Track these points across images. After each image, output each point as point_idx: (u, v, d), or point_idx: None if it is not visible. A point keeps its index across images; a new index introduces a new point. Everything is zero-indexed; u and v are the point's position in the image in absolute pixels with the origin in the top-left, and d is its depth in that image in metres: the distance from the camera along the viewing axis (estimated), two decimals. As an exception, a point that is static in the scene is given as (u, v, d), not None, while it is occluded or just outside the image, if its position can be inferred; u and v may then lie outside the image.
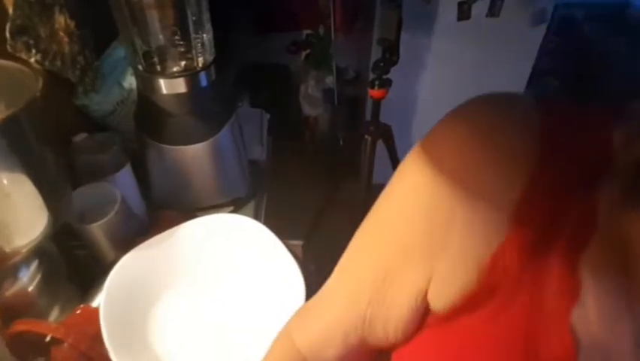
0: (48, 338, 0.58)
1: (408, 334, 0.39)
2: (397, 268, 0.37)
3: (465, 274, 0.33)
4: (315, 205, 1.71)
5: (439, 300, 0.35)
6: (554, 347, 0.29)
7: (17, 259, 0.58)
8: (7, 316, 0.59)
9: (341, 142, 2.43)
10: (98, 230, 0.69)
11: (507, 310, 0.31)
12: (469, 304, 0.33)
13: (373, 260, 0.39)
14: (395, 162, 1.56)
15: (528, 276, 0.30)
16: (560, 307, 0.29)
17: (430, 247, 0.35)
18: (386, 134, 1.50)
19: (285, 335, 0.47)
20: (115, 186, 0.73)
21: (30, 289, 0.65)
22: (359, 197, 1.52)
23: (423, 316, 0.38)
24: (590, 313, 0.28)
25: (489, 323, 0.32)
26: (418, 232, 0.35)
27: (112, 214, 0.69)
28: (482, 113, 0.33)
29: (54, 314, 0.67)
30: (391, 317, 0.38)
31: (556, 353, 0.29)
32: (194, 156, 0.81)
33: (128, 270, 0.66)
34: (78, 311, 0.62)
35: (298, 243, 0.82)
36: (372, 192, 1.54)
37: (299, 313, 0.48)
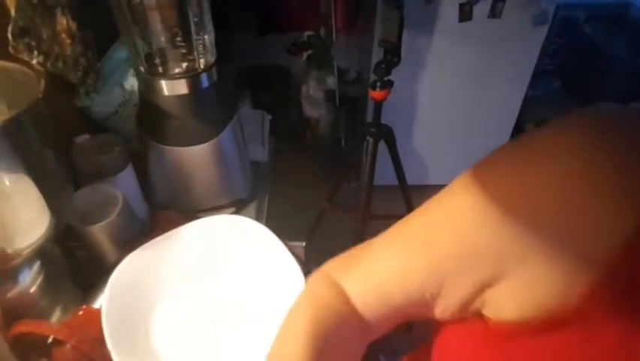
0: (50, 340, 0.58)
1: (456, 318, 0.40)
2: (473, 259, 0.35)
3: (553, 290, 0.32)
4: (317, 206, 1.71)
5: (509, 308, 0.34)
6: None
7: (19, 260, 0.58)
8: (9, 317, 0.59)
9: (342, 143, 2.43)
10: (99, 231, 0.69)
11: (601, 333, 0.30)
12: (552, 321, 0.32)
13: (451, 238, 0.37)
14: (397, 163, 1.56)
15: (626, 304, 0.30)
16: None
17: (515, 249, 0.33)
18: (387, 136, 1.50)
19: (322, 274, 0.47)
20: (116, 187, 0.73)
21: (32, 290, 0.65)
22: (360, 198, 1.52)
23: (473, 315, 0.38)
24: None
25: (582, 343, 0.31)
26: (503, 234, 0.33)
27: (113, 216, 0.69)
28: (616, 129, 0.31)
29: (56, 315, 0.67)
30: (450, 303, 0.39)
31: None
32: (196, 157, 0.81)
33: (129, 271, 0.66)
34: (80, 312, 0.62)
35: (300, 244, 0.82)
36: (373, 193, 1.54)
37: (344, 261, 0.47)
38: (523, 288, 0.33)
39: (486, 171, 0.36)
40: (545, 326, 0.32)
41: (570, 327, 0.31)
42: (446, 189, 0.39)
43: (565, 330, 0.32)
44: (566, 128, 0.32)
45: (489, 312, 0.37)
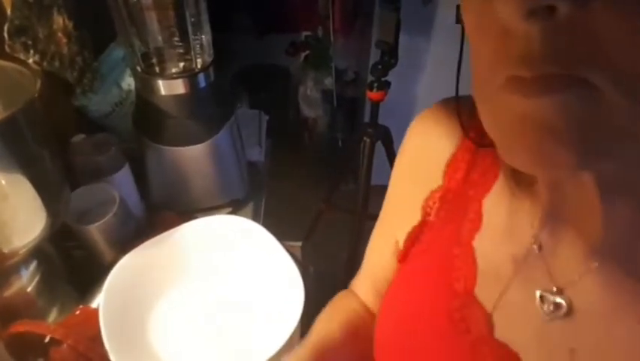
0: (47, 339, 0.58)
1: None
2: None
3: (413, 215, 0.47)
4: (314, 207, 1.71)
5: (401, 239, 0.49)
6: (462, 263, 0.41)
7: (16, 259, 0.58)
8: (5, 317, 0.59)
9: (340, 144, 2.43)
10: (96, 231, 0.69)
11: (437, 241, 0.44)
12: (414, 239, 0.47)
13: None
14: (394, 164, 1.55)
15: (452, 216, 0.44)
16: (469, 236, 0.41)
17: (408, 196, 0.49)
18: (385, 136, 1.50)
19: (347, 289, 0.62)
20: (113, 187, 0.73)
21: (29, 290, 0.64)
22: (358, 199, 1.52)
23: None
24: (485, 238, 0.40)
25: (425, 252, 0.45)
26: (402, 186, 0.52)
27: (110, 215, 0.69)
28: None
29: (53, 315, 0.67)
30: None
31: (463, 266, 0.40)
32: (193, 157, 0.81)
33: (126, 271, 0.66)
34: (77, 312, 0.62)
35: (297, 244, 0.82)
36: (370, 193, 1.54)
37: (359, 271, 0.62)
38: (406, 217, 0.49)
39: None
40: (409, 246, 0.48)
41: (419, 241, 0.47)
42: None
43: (417, 245, 0.47)
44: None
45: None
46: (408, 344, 0.44)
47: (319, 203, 1.71)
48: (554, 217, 0.36)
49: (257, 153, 1.05)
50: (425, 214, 0.47)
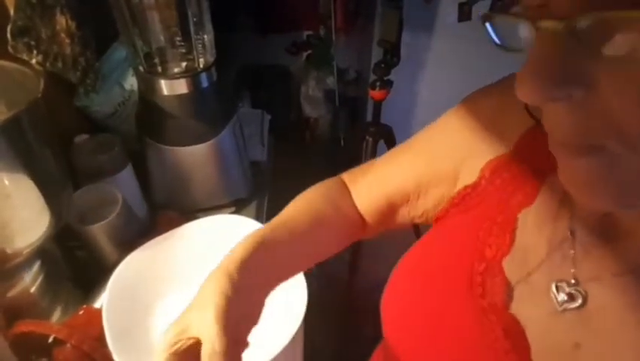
0: (51, 339, 0.58)
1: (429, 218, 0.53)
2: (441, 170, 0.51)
3: (464, 171, 0.48)
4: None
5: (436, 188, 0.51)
6: (500, 231, 0.41)
7: (19, 260, 0.58)
8: (9, 317, 0.60)
9: (342, 143, 2.43)
10: (99, 231, 0.69)
11: (482, 205, 0.44)
12: (460, 199, 0.47)
13: (443, 152, 0.51)
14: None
15: (506, 186, 0.43)
16: (517, 208, 0.41)
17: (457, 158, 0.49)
18: (387, 135, 1.50)
19: (337, 177, 0.62)
20: (116, 187, 0.73)
21: (32, 290, 0.65)
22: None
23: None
24: (531, 214, 0.40)
25: (466, 213, 0.46)
26: (462, 136, 0.49)
27: (113, 216, 0.69)
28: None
29: (56, 315, 0.67)
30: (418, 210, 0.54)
31: (500, 235, 0.41)
32: (196, 157, 0.81)
33: (130, 271, 0.66)
34: (81, 312, 0.62)
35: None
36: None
37: (357, 169, 0.61)
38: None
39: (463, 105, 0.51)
40: (452, 206, 0.48)
41: (465, 205, 0.47)
42: (443, 115, 0.52)
43: (466, 200, 0.47)
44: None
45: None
46: (420, 295, 0.44)
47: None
48: (603, 222, 0.36)
49: (259, 153, 1.05)
50: (481, 177, 0.46)
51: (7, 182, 0.53)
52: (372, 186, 0.57)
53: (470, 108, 0.49)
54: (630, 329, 0.33)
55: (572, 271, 0.36)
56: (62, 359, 0.58)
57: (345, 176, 0.62)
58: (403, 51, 1.37)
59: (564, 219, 0.38)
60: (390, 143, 1.52)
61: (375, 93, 1.42)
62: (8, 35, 0.69)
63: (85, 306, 0.65)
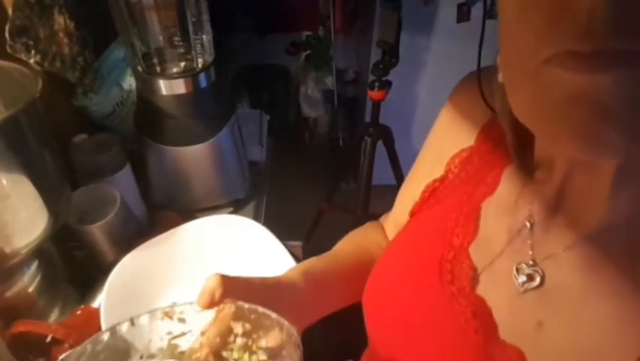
0: (49, 339, 0.58)
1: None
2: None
3: (437, 170, 0.49)
4: (315, 206, 1.70)
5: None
6: (465, 221, 0.43)
7: (17, 260, 0.58)
8: (7, 317, 0.59)
9: (340, 143, 2.43)
10: (97, 231, 0.69)
11: (449, 198, 0.46)
12: (430, 192, 0.49)
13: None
14: (395, 164, 1.56)
15: (470, 178, 0.45)
16: (480, 198, 0.43)
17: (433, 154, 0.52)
18: (386, 136, 1.50)
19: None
20: (114, 187, 0.73)
21: (30, 290, 0.64)
22: (358, 198, 1.52)
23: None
24: (493, 204, 0.42)
25: (435, 206, 0.48)
26: (436, 141, 0.52)
27: (111, 215, 0.69)
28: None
29: (54, 315, 0.67)
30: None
31: (465, 224, 0.43)
32: (194, 156, 0.81)
33: (128, 271, 0.66)
34: (78, 312, 0.62)
35: (298, 244, 0.82)
36: (371, 193, 1.54)
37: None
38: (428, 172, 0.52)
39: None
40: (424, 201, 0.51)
41: (435, 197, 0.49)
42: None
43: (436, 194, 0.49)
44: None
45: None
46: (396, 288, 0.46)
47: (320, 202, 1.71)
48: (557, 197, 0.37)
49: (258, 153, 1.05)
50: (447, 171, 0.48)
51: (4, 182, 0.53)
52: (398, 218, 0.58)
53: (447, 105, 0.51)
54: (588, 303, 0.34)
55: (530, 253, 0.38)
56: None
57: (382, 218, 0.66)
58: (402, 52, 1.37)
59: (524, 206, 0.40)
60: (389, 143, 1.52)
61: (374, 94, 1.42)
62: (6, 35, 0.68)
63: (83, 306, 0.64)
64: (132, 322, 0.35)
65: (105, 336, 0.34)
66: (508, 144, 0.40)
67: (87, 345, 0.34)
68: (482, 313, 0.38)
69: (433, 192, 0.49)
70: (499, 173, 0.43)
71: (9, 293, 0.62)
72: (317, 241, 1.65)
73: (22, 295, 0.64)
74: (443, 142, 0.51)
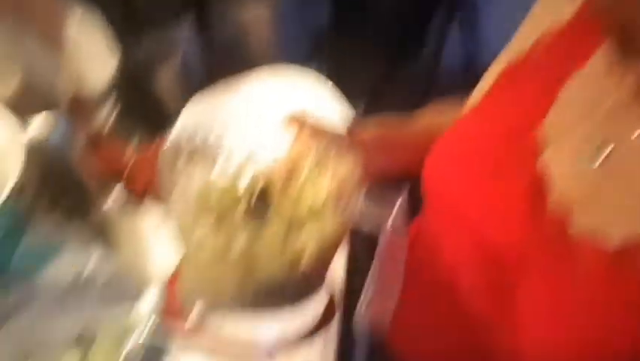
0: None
1: None
2: None
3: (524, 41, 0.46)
4: (376, 73, 1.64)
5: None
6: (541, 99, 0.41)
7: (94, 97, 0.63)
8: (89, 149, 0.65)
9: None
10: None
11: (529, 75, 0.44)
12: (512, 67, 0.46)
13: None
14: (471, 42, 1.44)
15: (557, 54, 0.43)
16: (560, 79, 0.41)
17: None
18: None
19: None
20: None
21: (107, 126, 0.69)
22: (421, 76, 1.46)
23: None
24: (574, 84, 0.40)
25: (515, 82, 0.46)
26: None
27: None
28: None
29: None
30: None
31: (541, 104, 0.41)
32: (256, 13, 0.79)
33: (198, 109, 0.69)
34: (155, 144, 0.67)
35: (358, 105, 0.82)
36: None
37: None
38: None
39: None
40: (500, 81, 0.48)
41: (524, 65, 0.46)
42: None
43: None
44: None
45: None
46: (463, 153, 0.47)
47: (381, 68, 1.63)
48: None
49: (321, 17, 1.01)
50: (536, 44, 0.45)
51: (75, 26, 0.54)
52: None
53: None
54: None
55: (605, 130, 0.37)
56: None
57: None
58: None
59: (612, 80, 0.38)
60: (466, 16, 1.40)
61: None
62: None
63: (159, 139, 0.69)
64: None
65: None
66: (612, 19, 0.37)
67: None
68: (543, 182, 0.39)
69: (515, 70, 0.47)
70: (592, 49, 0.40)
71: (90, 129, 0.67)
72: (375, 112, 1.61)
73: (101, 130, 0.69)
74: (538, 12, 0.47)
